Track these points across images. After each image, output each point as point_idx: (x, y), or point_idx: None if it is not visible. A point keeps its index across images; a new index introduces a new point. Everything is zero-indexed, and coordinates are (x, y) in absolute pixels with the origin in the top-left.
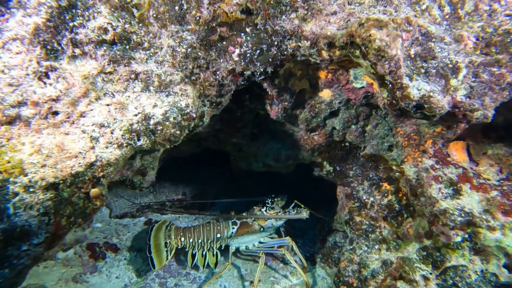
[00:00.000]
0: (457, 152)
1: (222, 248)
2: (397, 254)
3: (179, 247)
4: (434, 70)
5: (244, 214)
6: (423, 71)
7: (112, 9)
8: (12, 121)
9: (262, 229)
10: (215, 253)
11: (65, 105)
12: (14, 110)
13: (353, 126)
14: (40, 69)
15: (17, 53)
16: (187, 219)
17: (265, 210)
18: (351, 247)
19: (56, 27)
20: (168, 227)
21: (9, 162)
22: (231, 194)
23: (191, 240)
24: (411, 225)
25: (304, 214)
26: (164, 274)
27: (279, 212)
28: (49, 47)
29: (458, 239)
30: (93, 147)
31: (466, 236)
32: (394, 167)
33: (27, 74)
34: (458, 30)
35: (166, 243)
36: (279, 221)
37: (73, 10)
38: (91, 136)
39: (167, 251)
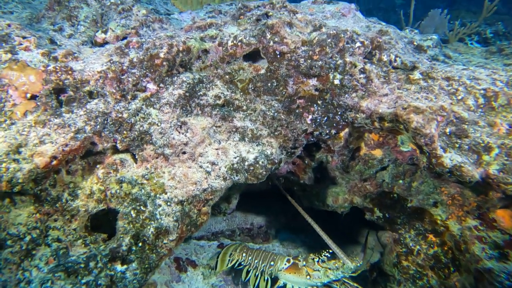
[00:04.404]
0: (505, 220)
1: (272, 277)
2: None
3: (239, 260)
4: (467, 147)
5: (300, 257)
6: (457, 145)
7: (224, 83)
8: (158, 156)
9: (309, 277)
10: (266, 279)
11: (190, 147)
12: (161, 150)
13: (400, 181)
14: (178, 123)
15: (166, 113)
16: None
17: (318, 262)
18: None
19: (190, 95)
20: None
21: (156, 184)
22: (292, 228)
23: (250, 258)
24: (458, 279)
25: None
26: None
27: (330, 269)
28: (184, 108)
29: None
30: (206, 178)
31: None
32: (439, 221)
33: (170, 126)
34: (492, 117)
35: (231, 254)
36: (326, 278)
37: (201, 84)
38: (205, 170)
39: (229, 260)
